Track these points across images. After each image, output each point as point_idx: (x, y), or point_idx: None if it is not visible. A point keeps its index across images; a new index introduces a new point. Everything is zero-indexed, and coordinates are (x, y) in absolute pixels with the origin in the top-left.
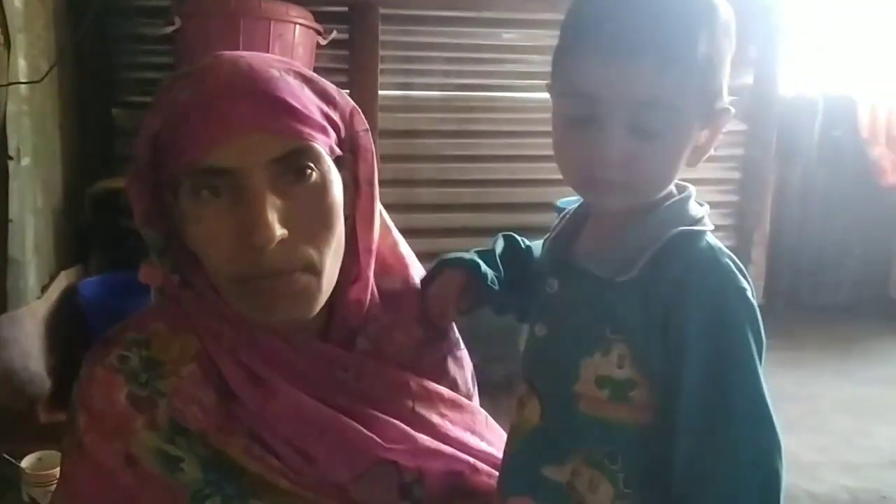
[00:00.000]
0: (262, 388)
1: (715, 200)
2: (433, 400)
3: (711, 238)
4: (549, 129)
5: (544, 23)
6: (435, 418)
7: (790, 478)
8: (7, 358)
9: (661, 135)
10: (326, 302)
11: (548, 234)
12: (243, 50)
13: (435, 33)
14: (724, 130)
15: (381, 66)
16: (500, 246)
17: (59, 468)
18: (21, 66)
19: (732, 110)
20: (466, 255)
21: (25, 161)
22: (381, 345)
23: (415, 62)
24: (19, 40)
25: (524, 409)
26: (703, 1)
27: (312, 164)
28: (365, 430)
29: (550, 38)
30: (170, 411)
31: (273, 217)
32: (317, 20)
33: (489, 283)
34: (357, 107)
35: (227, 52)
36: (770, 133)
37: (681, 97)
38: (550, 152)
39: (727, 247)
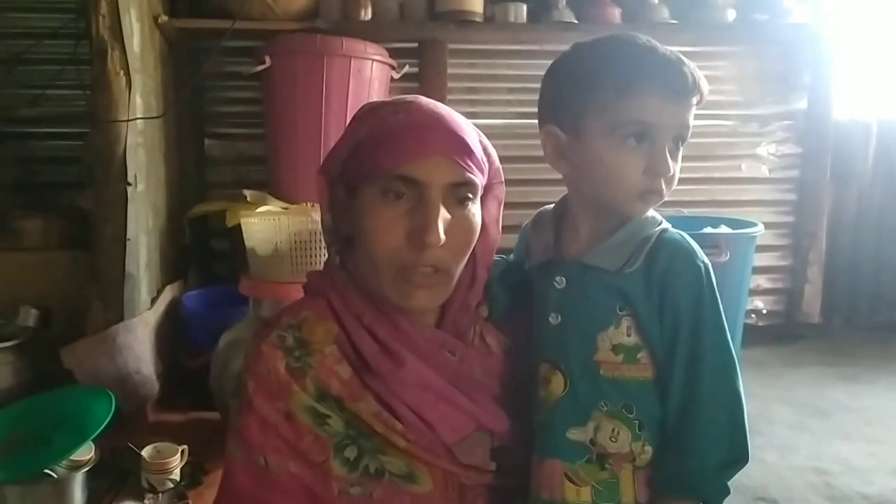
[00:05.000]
0: (392, 358)
1: (771, 221)
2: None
3: (675, 231)
4: None
5: None
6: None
7: (844, 480)
8: (122, 362)
9: (679, 152)
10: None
11: (519, 248)
12: (325, 83)
13: (498, 65)
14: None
15: (448, 97)
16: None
17: (178, 452)
18: (138, 104)
19: None
20: None
21: (140, 187)
22: (486, 340)
23: (480, 93)
24: (136, 80)
25: (549, 385)
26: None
27: (471, 196)
28: (469, 401)
29: None
30: (316, 380)
31: (441, 225)
32: (390, 56)
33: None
34: (499, 165)
35: (424, 98)
36: (825, 156)
37: (691, 124)
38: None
39: (784, 266)
